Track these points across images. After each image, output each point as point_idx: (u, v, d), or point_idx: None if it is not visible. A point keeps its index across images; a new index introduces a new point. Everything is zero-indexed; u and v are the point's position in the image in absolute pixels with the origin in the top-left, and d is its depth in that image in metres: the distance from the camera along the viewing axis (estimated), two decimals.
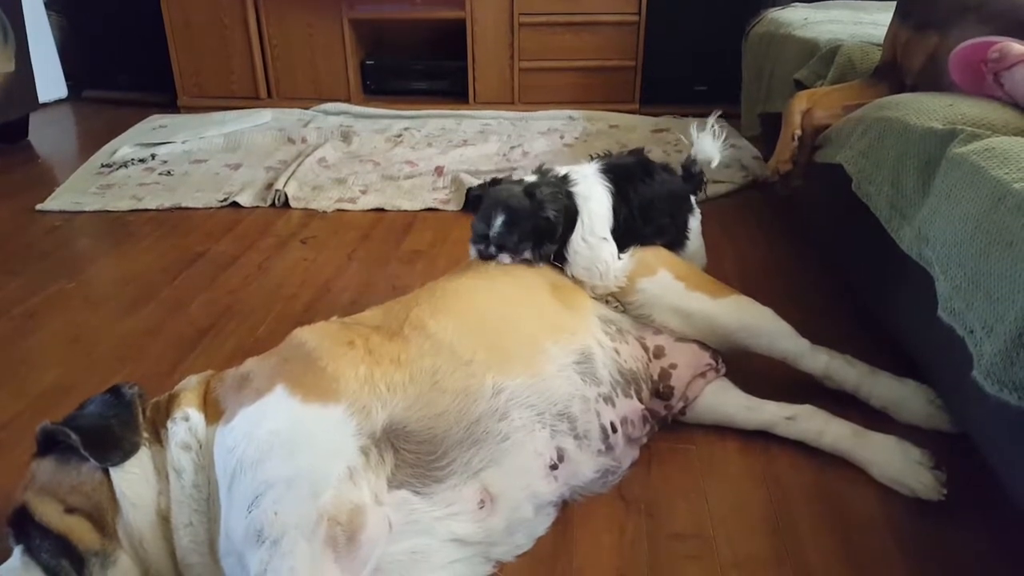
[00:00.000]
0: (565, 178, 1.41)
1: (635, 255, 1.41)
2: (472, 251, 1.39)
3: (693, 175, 1.59)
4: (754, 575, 1.08)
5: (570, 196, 1.38)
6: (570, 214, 1.37)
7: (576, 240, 1.37)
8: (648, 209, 1.44)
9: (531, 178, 1.42)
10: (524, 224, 1.33)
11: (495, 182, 1.44)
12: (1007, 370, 0.88)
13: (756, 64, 2.58)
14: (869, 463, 1.24)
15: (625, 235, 1.41)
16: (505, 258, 1.36)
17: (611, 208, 1.40)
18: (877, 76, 1.76)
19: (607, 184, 1.41)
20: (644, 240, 1.44)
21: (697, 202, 1.62)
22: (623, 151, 1.56)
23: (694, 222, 1.59)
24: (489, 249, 1.36)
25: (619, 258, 1.39)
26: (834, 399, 1.36)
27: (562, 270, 1.39)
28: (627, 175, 1.45)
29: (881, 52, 1.79)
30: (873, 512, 1.18)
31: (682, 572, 1.09)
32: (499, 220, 1.34)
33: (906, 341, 1.34)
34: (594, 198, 1.39)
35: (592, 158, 1.52)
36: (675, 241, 1.52)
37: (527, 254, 1.37)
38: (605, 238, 1.38)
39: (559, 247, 1.38)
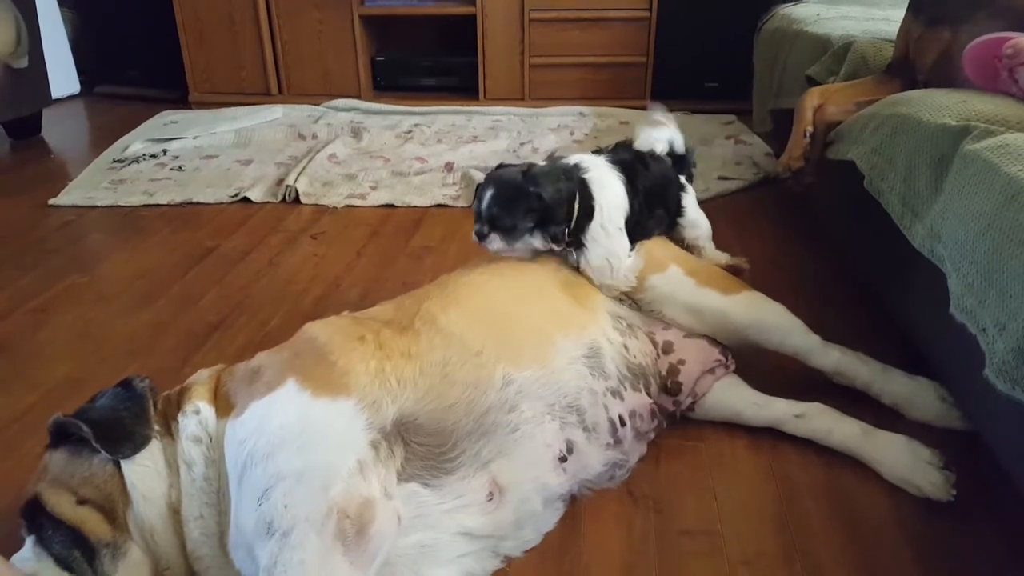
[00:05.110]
0: (576, 166, 1.39)
1: (643, 250, 1.40)
2: (474, 235, 1.37)
3: (680, 157, 1.59)
4: (762, 572, 1.08)
5: (584, 183, 1.35)
6: (584, 200, 1.34)
7: (595, 228, 1.34)
8: (650, 198, 1.43)
9: (540, 164, 1.41)
10: (515, 200, 1.30)
11: (500, 166, 1.42)
12: (1019, 368, 0.87)
13: (768, 60, 2.57)
14: (878, 462, 1.24)
15: (635, 228, 1.40)
16: (496, 241, 1.33)
17: (627, 198, 1.39)
18: (890, 72, 1.75)
19: (620, 174, 1.40)
20: (648, 232, 1.44)
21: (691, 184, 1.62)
22: (609, 146, 1.54)
23: (688, 199, 1.57)
24: (483, 228, 1.34)
25: (629, 255, 1.37)
26: (844, 397, 1.35)
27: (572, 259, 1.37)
28: (632, 167, 1.44)
29: (893, 48, 1.78)
30: (882, 511, 1.18)
31: (690, 568, 1.09)
32: (488, 194, 1.33)
33: (918, 338, 1.34)
34: (608, 187, 1.37)
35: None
36: (670, 225, 1.53)
37: (534, 239, 1.34)
38: (621, 228, 1.37)
39: (577, 235, 1.34)
